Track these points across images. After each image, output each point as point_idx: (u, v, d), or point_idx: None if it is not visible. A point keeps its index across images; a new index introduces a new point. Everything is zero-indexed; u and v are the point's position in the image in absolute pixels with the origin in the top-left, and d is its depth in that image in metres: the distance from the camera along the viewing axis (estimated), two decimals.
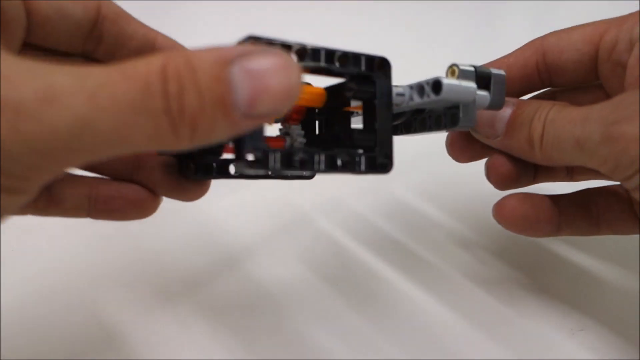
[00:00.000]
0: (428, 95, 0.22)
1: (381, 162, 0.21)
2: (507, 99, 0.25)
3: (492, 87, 0.24)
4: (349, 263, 0.32)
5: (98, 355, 0.26)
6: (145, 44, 0.21)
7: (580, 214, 0.26)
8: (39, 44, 0.19)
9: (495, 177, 0.26)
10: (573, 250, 0.34)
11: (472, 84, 0.22)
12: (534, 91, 0.29)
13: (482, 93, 0.24)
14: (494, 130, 0.25)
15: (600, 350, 0.27)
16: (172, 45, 0.22)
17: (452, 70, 0.23)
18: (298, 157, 0.19)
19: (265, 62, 0.14)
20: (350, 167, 0.20)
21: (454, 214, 0.37)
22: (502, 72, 0.24)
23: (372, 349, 0.27)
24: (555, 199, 0.27)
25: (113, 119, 0.13)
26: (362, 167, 0.20)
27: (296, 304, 0.29)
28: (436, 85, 0.21)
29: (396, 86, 0.22)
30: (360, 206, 0.37)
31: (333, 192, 0.38)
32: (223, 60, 0.14)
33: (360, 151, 0.21)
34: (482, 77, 0.23)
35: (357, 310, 0.29)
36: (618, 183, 0.25)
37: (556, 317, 0.29)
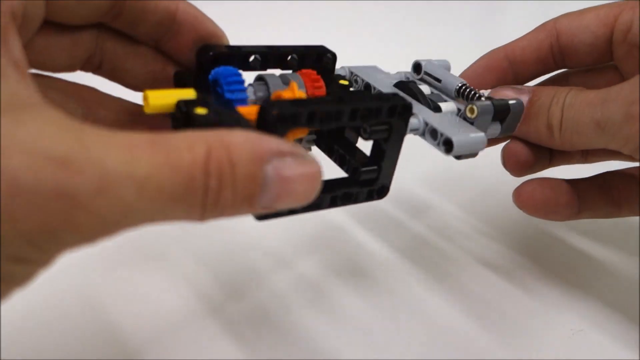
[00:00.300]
0: (438, 144, 0.22)
1: (378, 191, 0.23)
2: (522, 86, 0.25)
3: (508, 119, 0.24)
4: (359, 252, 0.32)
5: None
6: (166, 16, 0.20)
7: (600, 197, 0.27)
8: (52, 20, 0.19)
9: (512, 165, 0.27)
10: (573, 251, 0.34)
11: (482, 136, 0.22)
12: (548, 73, 0.29)
13: (493, 126, 0.24)
14: None
15: (600, 350, 0.27)
16: (194, 17, 0.21)
17: (471, 109, 0.23)
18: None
19: (297, 170, 0.16)
20: (351, 200, 0.22)
21: (457, 209, 0.37)
22: (520, 100, 0.24)
23: (371, 338, 0.27)
24: (573, 182, 0.27)
25: (156, 208, 0.14)
26: (361, 198, 0.22)
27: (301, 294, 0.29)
28: (447, 143, 0.21)
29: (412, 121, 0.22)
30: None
31: None
32: (259, 157, 0.15)
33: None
34: (500, 111, 0.23)
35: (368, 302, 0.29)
36: (637, 164, 0.24)
37: (556, 317, 0.29)
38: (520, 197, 0.26)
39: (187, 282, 0.30)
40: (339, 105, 0.19)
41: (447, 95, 0.25)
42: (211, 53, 0.21)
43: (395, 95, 0.21)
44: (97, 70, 0.22)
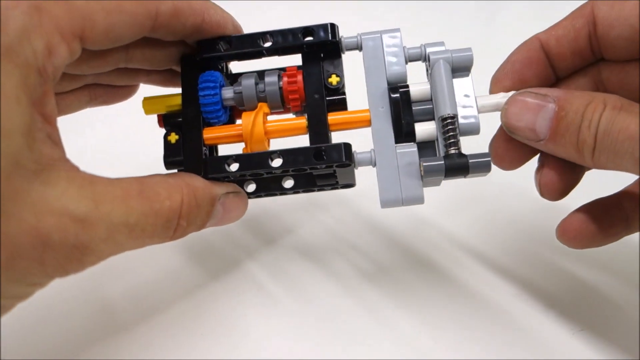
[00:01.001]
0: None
1: (343, 186, 0.26)
2: (546, 93, 0.22)
3: (472, 172, 0.22)
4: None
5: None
6: (194, 28, 0.22)
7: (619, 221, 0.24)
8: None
9: (549, 195, 0.24)
10: (573, 251, 0.30)
11: (418, 196, 0.22)
12: (586, 65, 0.24)
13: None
14: (535, 135, 0.22)
15: (600, 350, 0.27)
16: (217, 24, 0.23)
17: (420, 166, 0.22)
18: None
19: (235, 203, 0.23)
20: (315, 190, 0.27)
21: (457, 217, 0.34)
22: (487, 154, 0.22)
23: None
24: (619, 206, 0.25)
25: (137, 243, 0.19)
26: (327, 189, 0.27)
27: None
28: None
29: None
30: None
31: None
32: (214, 199, 0.22)
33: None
34: (455, 169, 0.21)
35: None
36: None
37: (556, 317, 0.29)
38: (565, 234, 0.25)
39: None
40: (270, 167, 0.22)
41: (438, 112, 0.23)
42: (197, 59, 0.23)
43: (339, 148, 0.22)
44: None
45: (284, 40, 0.23)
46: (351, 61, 0.26)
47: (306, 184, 0.26)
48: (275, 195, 0.27)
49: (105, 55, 0.22)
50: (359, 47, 0.24)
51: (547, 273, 0.31)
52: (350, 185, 0.26)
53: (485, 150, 0.24)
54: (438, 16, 0.50)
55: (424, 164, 0.21)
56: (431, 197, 0.35)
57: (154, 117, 0.25)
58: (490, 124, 0.24)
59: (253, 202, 0.26)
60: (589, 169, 0.25)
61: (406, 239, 0.34)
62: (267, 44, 0.23)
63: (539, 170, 0.24)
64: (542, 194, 0.24)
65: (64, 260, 0.17)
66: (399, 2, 0.51)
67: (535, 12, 0.48)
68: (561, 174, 0.23)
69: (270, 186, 0.27)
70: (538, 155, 0.25)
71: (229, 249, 0.34)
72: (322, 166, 0.22)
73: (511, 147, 0.24)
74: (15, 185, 0.16)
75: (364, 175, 0.26)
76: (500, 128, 0.24)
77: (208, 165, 0.22)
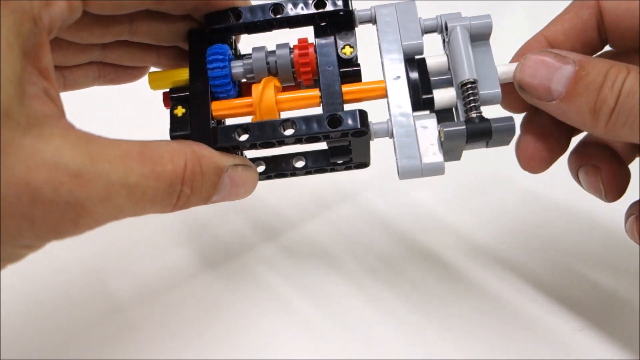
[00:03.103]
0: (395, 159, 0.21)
1: (357, 165, 0.25)
2: (566, 53, 0.20)
3: (494, 138, 0.20)
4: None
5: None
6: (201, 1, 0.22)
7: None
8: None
9: (532, 165, 0.23)
10: (573, 250, 0.31)
11: (438, 164, 0.21)
12: (593, 54, 0.23)
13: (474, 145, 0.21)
14: (549, 93, 0.20)
15: (600, 350, 0.27)
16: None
17: (440, 132, 0.21)
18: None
19: (244, 177, 0.22)
20: (328, 170, 0.26)
21: (463, 212, 0.34)
22: (511, 117, 0.21)
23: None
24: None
25: (138, 208, 0.18)
26: (340, 169, 0.26)
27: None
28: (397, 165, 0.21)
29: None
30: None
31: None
32: (221, 169, 0.20)
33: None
34: (477, 135, 0.20)
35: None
36: None
37: (556, 316, 0.28)
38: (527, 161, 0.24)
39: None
40: (282, 136, 0.21)
41: (457, 79, 0.22)
42: (206, 31, 0.23)
43: (354, 114, 0.21)
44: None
45: (296, 10, 0.23)
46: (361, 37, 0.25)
47: (318, 163, 0.25)
48: (286, 176, 0.25)
49: (108, 24, 0.22)
50: (372, 19, 0.23)
51: (547, 273, 0.31)
52: (364, 164, 0.25)
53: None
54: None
55: (445, 129, 0.20)
56: (437, 191, 0.35)
57: (159, 104, 0.24)
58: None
59: (257, 197, 0.25)
60: (575, 135, 0.24)
61: (412, 234, 0.33)
62: (279, 15, 0.23)
63: (521, 138, 0.23)
64: (525, 165, 0.23)
65: (56, 219, 0.16)
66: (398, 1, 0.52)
67: (535, 12, 0.49)
68: (546, 142, 0.23)
69: (280, 166, 0.25)
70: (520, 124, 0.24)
71: (236, 244, 0.33)
72: (337, 135, 0.21)
73: (541, 146, 0.23)
74: (4, 137, 0.15)
75: (368, 170, 0.26)
76: (526, 129, 0.24)
77: (217, 133, 0.21)
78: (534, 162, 0.23)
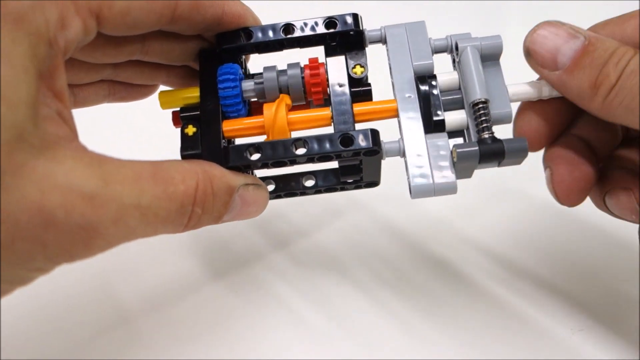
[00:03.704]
0: (407, 178, 0.21)
1: (367, 184, 0.25)
2: (579, 28, 0.21)
3: (507, 158, 0.20)
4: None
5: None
6: (214, 20, 0.22)
7: None
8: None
9: (564, 197, 0.23)
10: (573, 251, 0.31)
11: (451, 183, 0.21)
12: None
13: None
14: (554, 63, 0.21)
15: (600, 350, 0.27)
16: (238, 15, 0.22)
17: (453, 152, 0.21)
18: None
19: (254, 196, 0.21)
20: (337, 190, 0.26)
21: (469, 223, 0.34)
22: (524, 139, 0.21)
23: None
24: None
25: (150, 229, 0.18)
26: (349, 188, 0.25)
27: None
28: (409, 185, 0.21)
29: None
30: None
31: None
32: (232, 189, 0.20)
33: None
34: (490, 155, 0.20)
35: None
36: None
37: (556, 317, 0.28)
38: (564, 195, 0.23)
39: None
40: (294, 155, 0.21)
41: (469, 98, 0.22)
42: (217, 50, 0.23)
43: (366, 133, 0.21)
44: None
45: (306, 30, 0.23)
46: (371, 56, 0.25)
47: (328, 182, 0.25)
48: (296, 195, 0.25)
49: (121, 44, 0.22)
50: (382, 39, 0.24)
51: (547, 273, 0.31)
52: (375, 183, 0.25)
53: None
54: (437, 17, 0.50)
55: (458, 150, 0.20)
56: (446, 200, 0.35)
57: (169, 122, 0.24)
58: None
59: (267, 206, 0.24)
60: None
61: (423, 243, 0.33)
62: (289, 35, 0.23)
63: (553, 172, 0.23)
64: (564, 198, 0.23)
65: (68, 242, 0.16)
66: (398, 2, 0.52)
67: (535, 13, 0.48)
68: (580, 171, 0.23)
69: (290, 185, 0.25)
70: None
71: (244, 252, 0.33)
72: (349, 154, 0.21)
73: (577, 176, 0.23)
74: (17, 159, 0.15)
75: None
76: (555, 162, 0.23)
77: (229, 152, 0.21)
78: (573, 194, 0.23)
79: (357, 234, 0.34)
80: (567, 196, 0.23)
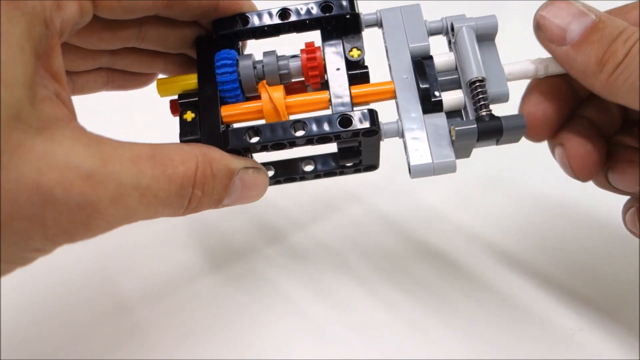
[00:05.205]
0: (406, 158, 0.21)
1: (366, 168, 0.25)
2: (589, 7, 0.21)
3: (505, 136, 0.21)
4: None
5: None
6: (210, 5, 0.22)
7: None
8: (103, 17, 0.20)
9: (579, 170, 0.23)
10: (573, 250, 0.31)
11: (450, 162, 0.21)
12: None
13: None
14: (562, 37, 0.21)
15: (600, 350, 0.27)
16: (234, 0, 0.23)
17: (452, 130, 0.21)
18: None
19: (254, 180, 0.21)
20: (337, 174, 0.26)
21: (468, 216, 0.34)
22: (521, 115, 0.21)
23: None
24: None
25: (150, 211, 0.18)
26: (348, 173, 0.26)
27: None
28: (408, 164, 0.21)
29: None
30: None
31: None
32: (232, 172, 0.20)
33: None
34: (488, 132, 0.20)
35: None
36: None
37: (556, 317, 0.28)
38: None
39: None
40: (293, 137, 0.21)
41: (466, 77, 0.22)
42: (214, 37, 0.23)
43: (364, 113, 0.21)
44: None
45: (302, 14, 0.23)
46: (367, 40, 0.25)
47: (327, 166, 0.25)
48: (295, 180, 0.25)
49: (117, 29, 0.22)
50: (378, 23, 0.24)
51: (547, 272, 0.31)
52: (374, 167, 0.25)
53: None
54: (433, 10, 0.51)
55: (456, 128, 0.20)
56: (444, 191, 0.35)
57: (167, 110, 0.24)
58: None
59: (265, 199, 0.24)
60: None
61: (420, 234, 0.33)
62: (286, 20, 0.23)
63: (566, 144, 0.23)
64: (579, 171, 0.23)
65: (67, 221, 0.16)
66: (398, 2, 0.52)
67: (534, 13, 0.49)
68: (594, 143, 0.23)
69: (289, 170, 0.25)
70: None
71: (243, 246, 0.33)
72: (348, 135, 0.21)
73: (590, 148, 0.23)
74: (15, 139, 0.15)
75: (374, 171, 0.26)
76: (570, 138, 0.23)
77: (228, 135, 0.21)
78: (588, 166, 0.23)
79: (355, 227, 0.34)
80: (582, 169, 0.23)
